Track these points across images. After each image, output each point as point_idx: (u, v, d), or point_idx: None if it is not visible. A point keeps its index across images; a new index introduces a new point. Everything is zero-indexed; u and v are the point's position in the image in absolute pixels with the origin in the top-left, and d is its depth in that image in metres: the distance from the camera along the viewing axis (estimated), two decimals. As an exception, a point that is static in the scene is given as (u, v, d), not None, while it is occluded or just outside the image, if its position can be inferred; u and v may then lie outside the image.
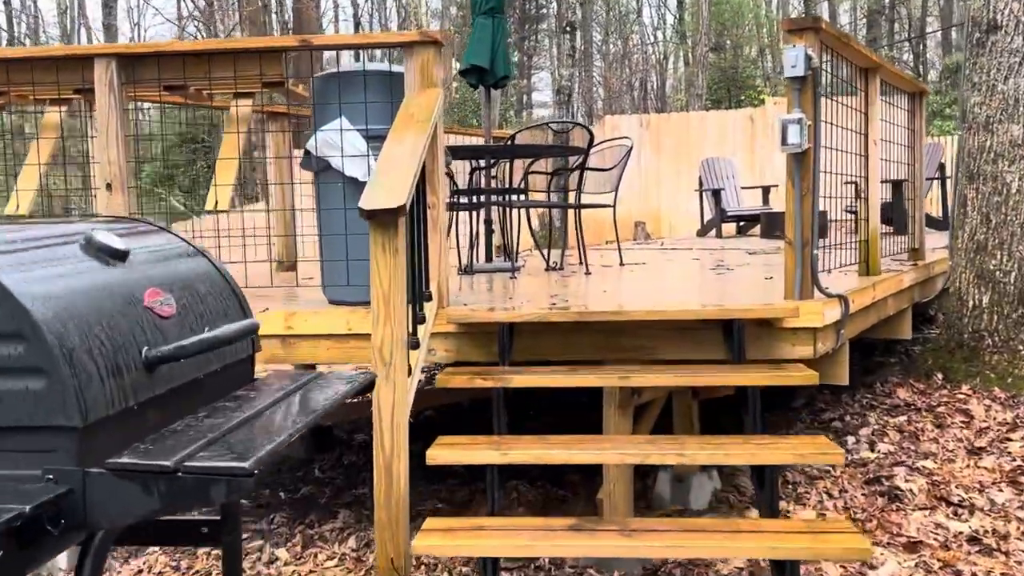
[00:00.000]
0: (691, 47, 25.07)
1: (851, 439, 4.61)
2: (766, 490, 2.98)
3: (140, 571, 4.10)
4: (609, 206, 5.84)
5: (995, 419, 4.62)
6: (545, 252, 6.09)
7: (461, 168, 6.38)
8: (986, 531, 3.58)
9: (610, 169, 5.87)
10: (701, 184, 10.56)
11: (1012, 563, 3.35)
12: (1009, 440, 4.39)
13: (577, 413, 4.39)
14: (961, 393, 4.92)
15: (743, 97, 22.31)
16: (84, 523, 1.29)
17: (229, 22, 21.18)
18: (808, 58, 3.46)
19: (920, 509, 3.81)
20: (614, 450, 2.83)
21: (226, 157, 3.77)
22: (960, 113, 5.29)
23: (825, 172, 3.92)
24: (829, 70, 3.94)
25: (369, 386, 1.76)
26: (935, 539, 3.56)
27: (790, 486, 4.10)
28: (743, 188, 10.75)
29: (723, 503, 4.09)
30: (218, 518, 1.85)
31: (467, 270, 5.55)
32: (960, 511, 3.77)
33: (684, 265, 6.19)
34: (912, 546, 3.50)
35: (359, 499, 4.70)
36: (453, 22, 28.32)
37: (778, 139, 3.55)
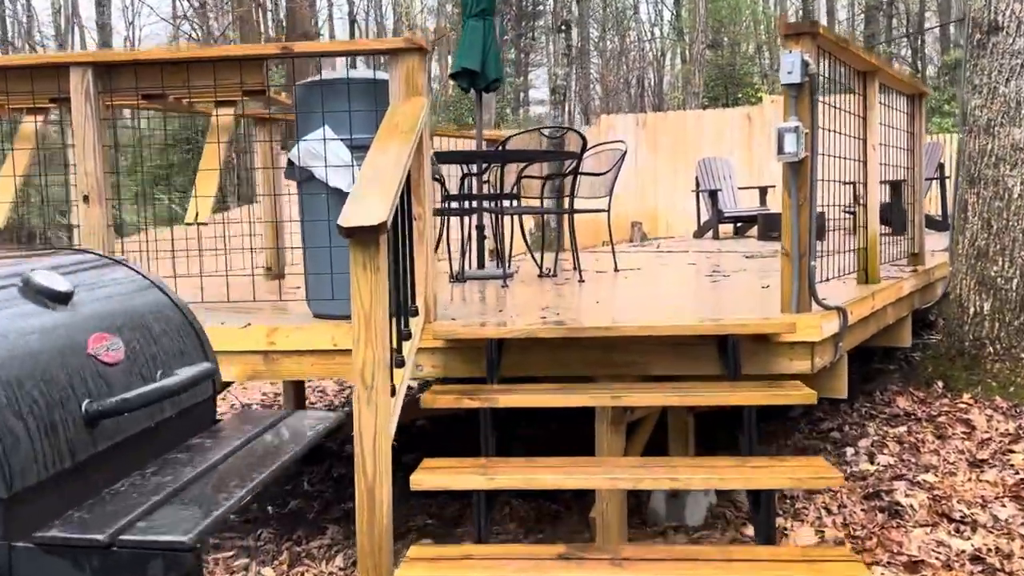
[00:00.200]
0: (688, 44, 24.96)
1: (850, 450, 4.51)
2: (762, 513, 2.88)
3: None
4: (603, 211, 5.74)
5: (997, 430, 4.52)
6: (538, 257, 5.99)
7: (454, 172, 6.27)
8: (989, 549, 3.49)
9: (604, 174, 5.77)
10: (698, 185, 10.45)
11: (1016, 584, 3.26)
12: (1012, 452, 4.29)
13: (570, 426, 4.29)
14: (962, 402, 4.82)
15: (740, 95, 22.21)
16: (7, 604, 1.17)
17: (224, 20, 21.04)
18: (805, 64, 3.36)
19: (921, 526, 3.71)
20: (605, 475, 2.73)
21: (207, 168, 3.67)
22: (960, 116, 5.18)
23: (823, 180, 3.82)
24: (827, 72, 3.84)
25: (338, 428, 1.66)
26: (937, 558, 3.46)
27: (788, 501, 4.00)
28: (740, 188, 10.65)
29: (719, 519, 4.00)
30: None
31: (458, 277, 5.45)
32: (962, 528, 3.67)
33: (679, 271, 6.09)
34: (913, 566, 3.40)
35: (348, 514, 4.60)
36: (449, 19, 28.18)
37: (774, 148, 3.45)
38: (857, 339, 4.10)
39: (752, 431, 3.07)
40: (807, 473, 2.70)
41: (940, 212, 9.75)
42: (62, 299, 1.35)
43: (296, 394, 5.93)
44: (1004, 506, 3.81)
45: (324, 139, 3.59)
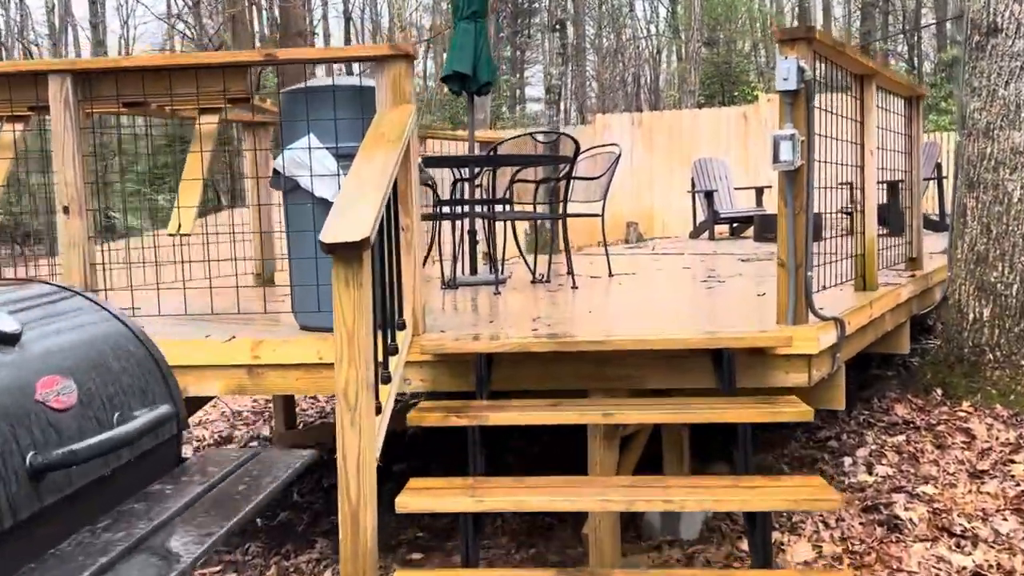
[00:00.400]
0: (684, 41, 24.86)
1: (848, 460, 4.44)
2: (757, 535, 2.81)
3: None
4: (596, 215, 5.66)
5: (997, 439, 4.45)
6: (532, 262, 5.90)
7: (447, 176, 6.18)
8: (990, 565, 3.41)
9: (598, 178, 5.69)
10: (693, 185, 10.38)
11: (1018, 602, 3.19)
12: (1012, 462, 4.21)
13: (563, 438, 4.21)
14: (961, 410, 4.75)
15: (736, 92, 22.12)
16: None
17: (218, 20, 20.91)
18: (801, 70, 3.28)
19: (921, 540, 3.63)
20: (597, 496, 2.65)
21: (190, 178, 3.58)
22: (959, 119, 5.11)
23: (819, 185, 3.74)
24: (822, 74, 3.76)
25: (313, 465, 1.58)
26: (937, 575, 3.39)
27: (784, 514, 3.92)
28: (736, 189, 10.58)
29: (715, 532, 3.92)
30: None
31: (450, 284, 5.36)
32: (963, 542, 3.60)
33: (674, 275, 6.02)
34: (913, 583, 3.33)
35: (338, 527, 4.52)
36: (445, 17, 28.05)
37: (769, 156, 3.37)
38: (855, 349, 4.03)
39: (747, 447, 3.00)
40: (804, 494, 2.62)
41: (937, 212, 9.68)
42: (8, 340, 1.26)
43: (286, 401, 5.84)
44: (1005, 520, 3.74)
45: (309, 148, 3.51)
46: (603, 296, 4.87)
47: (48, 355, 1.32)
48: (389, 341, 3.10)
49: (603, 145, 6.08)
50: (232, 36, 13.38)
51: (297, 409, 6.64)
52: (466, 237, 5.69)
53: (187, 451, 6.12)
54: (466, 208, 5.61)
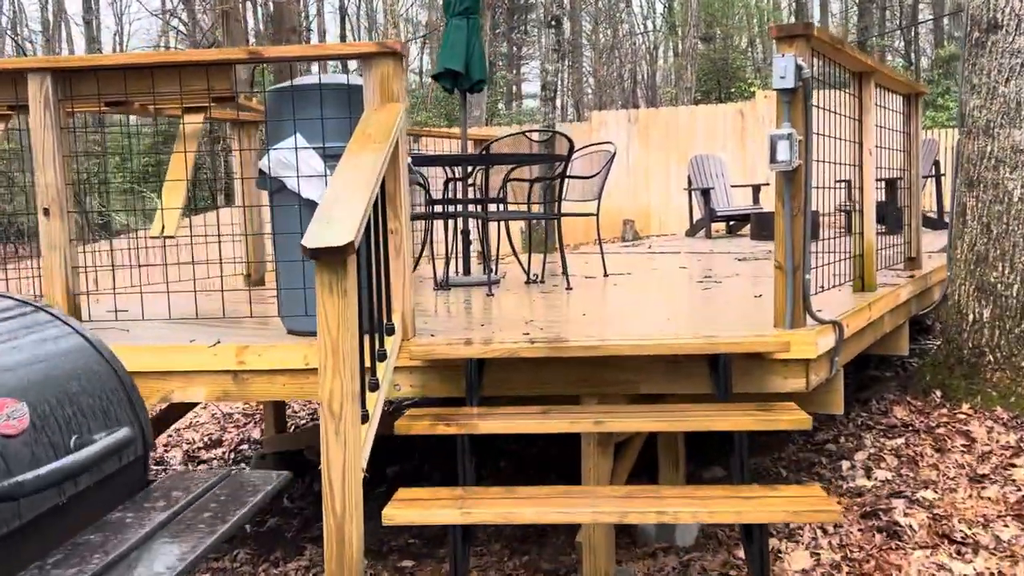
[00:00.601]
0: (680, 37, 24.77)
1: (846, 464, 4.37)
2: (754, 547, 2.73)
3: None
4: (591, 214, 5.59)
5: (997, 442, 4.38)
6: (526, 262, 5.83)
7: (439, 175, 6.10)
8: (992, 574, 3.35)
9: (592, 177, 5.61)
10: (690, 183, 10.31)
11: (1021, 612, 3.12)
12: (1013, 466, 4.14)
13: (557, 441, 4.15)
14: (961, 413, 4.68)
15: (733, 89, 22.04)
16: None
17: (212, 15, 20.78)
18: (799, 68, 3.20)
19: (921, 548, 3.57)
20: (589, 508, 2.57)
21: (174, 179, 3.50)
22: (958, 116, 5.03)
23: (817, 184, 3.67)
24: (820, 70, 3.68)
25: (304, 469, 1.50)
26: (938, 583, 3.32)
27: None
28: (733, 186, 10.51)
29: (711, 539, 3.85)
30: None
31: (443, 285, 5.29)
32: (964, 550, 3.53)
33: (670, 276, 5.94)
34: (913, 592, 3.26)
35: (328, 533, 4.45)
36: (439, 13, 27.92)
37: (767, 155, 3.29)
38: (853, 352, 3.95)
39: (743, 455, 2.93)
40: (803, 505, 2.55)
41: (935, 210, 9.62)
42: (-47, 361, 1.19)
43: (276, 404, 5.76)
44: (1007, 526, 3.67)
45: (296, 147, 3.43)
46: (598, 298, 4.80)
47: (1, 376, 1.24)
48: (377, 346, 3.02)
49: (598, 143, 6.00)
50: (225, 32, 13.28)
51: (289, 411, 6.56)
52: (459, 237, 5.61)
53: (176, 455, 6.04)
54: (459, 207, 5.53)
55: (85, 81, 3.44)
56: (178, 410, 5.10)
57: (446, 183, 5.62)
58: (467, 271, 5.65)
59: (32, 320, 1.40)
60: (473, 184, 5.93)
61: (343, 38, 28.16)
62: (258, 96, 5.03)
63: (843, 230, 6.79)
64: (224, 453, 6.10)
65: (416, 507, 2.62)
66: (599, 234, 5.87)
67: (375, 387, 2.91)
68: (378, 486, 5.01)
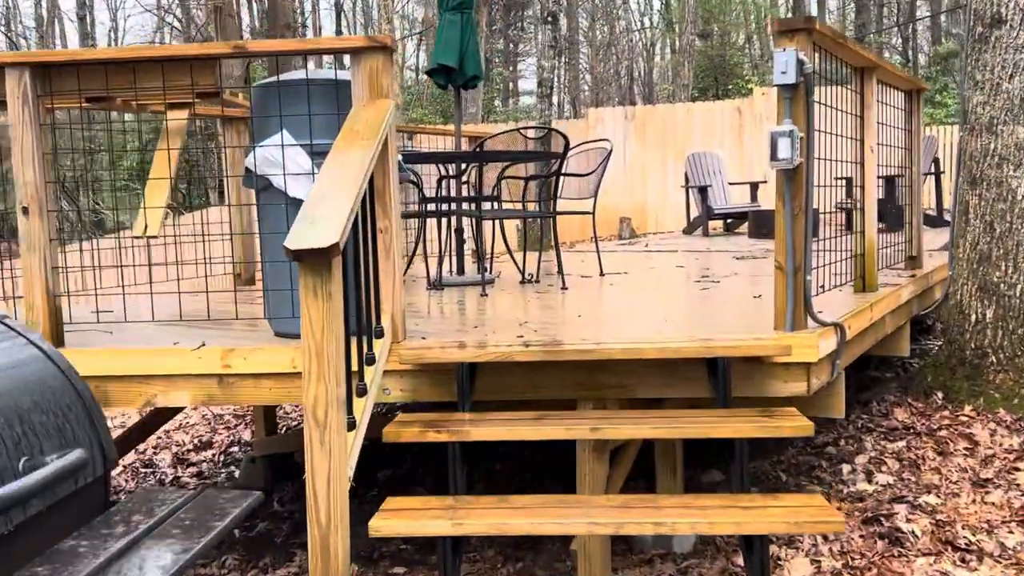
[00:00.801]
0: (677, 34, 24.68)
1: (846, 468, 4.28)
2: (755, 559, 2.64)
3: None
4: (587, 212, 5.49)
5: (1001, 445, 4.30)
6: (521, 261, 5.73)
7: (433, 172, 6.00)
8: (997, 582, 3.26)
9: (588, 175, 5.52)
10: (687, 180, 10.21)
11: (1028, 623, 3.03)
12: (1017, 470, 4.06)
13: (554, 442, 4.06)
14: (963, 415, 4.59)
15: (731, 86, 21.95)
16: None
17: (206, 11, 20.64)
18: (800, 63, 3.11)
19: (924, 555, 3.48)
20: (584, 519, 2.48)
21: (157, 177, 3.40)
22: (961, 113, 4.94)
23: (817, 183, 3.58)
24: (820, 67, 3.59)
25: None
26: (942, 592, 3.24)
27: (782, 526, 3.77)
28: (730, 184, 10.42)
29: (709, 546, 3.76)
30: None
31: (436, 284, 5.19)
32: (968, 557, 3.44)
33: (667, 275, 5.85)
34: (917, 601, 3.18)
35: (318, 538, 4.35)
36: (436, 9, 27.77)
37: (767, 153, 3.20)
38: (855, 354, 3.87)
39: (743, 462, 2.84)
40: (805, 516, 2.46)
41: (935, 207, 9.53)
42: None
43: (266, 405, 5.67)
44: (1012, 532, 3.59)
45: (283, 145, 3.33)
46: (594, 298, 4.71)
47: (-57, 393, 1.15)
48: (366, 350, 2.93)
49: (594, 140, 5.91)
50: (218, 28, 13.16)
51: (280, 412, 6.47)
52: (453, 236, 5.52)
53: (165, 457, 5.93)
54: (453, 205, 5.43)
55: (65, 76, 3.34)
56: (167, 412, 5.00)
57: (440, 181, 5.53)
58: (461, 270, 5.56)
59: (-15, 331, 1.30)
60: (467, 182, 5.83)
61: (339, 34, 28.04)
62: (245, 92, 4.92)
63: (842, 228, 6.72)
64: (214, 455, 6.00)
65: (405, 517, 2.53)
66: (595, 232, 5.78)
67: (363, 392, 2.82)
68: (370, 489, 4.92)
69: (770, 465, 4.50)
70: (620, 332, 3.46)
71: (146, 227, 3.34)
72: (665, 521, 2.44)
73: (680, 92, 19.52)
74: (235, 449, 6.08)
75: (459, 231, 5.50)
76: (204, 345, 3.33)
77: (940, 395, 4.79)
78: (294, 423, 6.48)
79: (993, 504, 3.82)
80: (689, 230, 10.30)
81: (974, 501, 3.86)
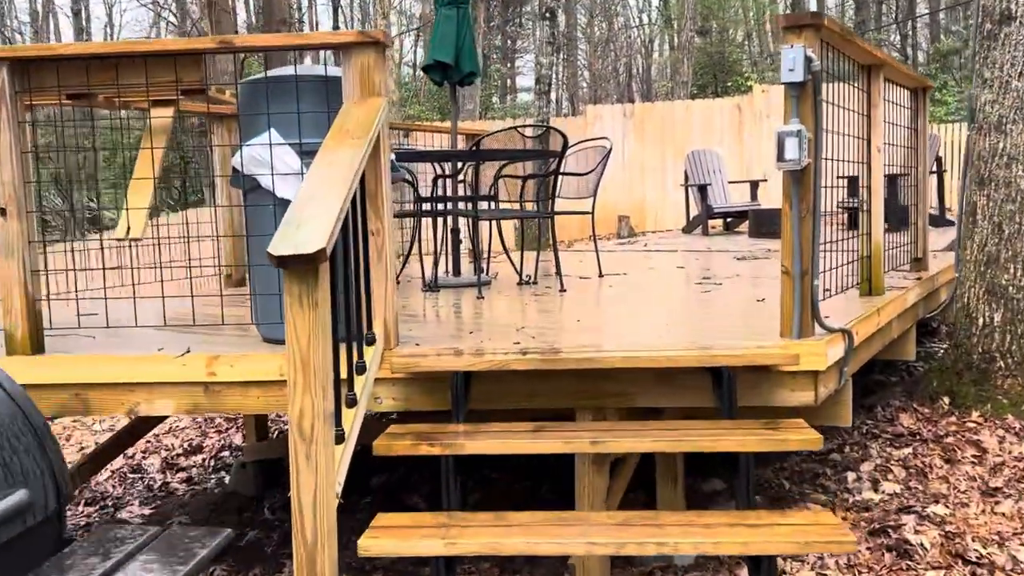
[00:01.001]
0: (676, 31, 24.56)
1: (851, 476, 4.17)
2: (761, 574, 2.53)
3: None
4: (586, 213, 5.38)
5: (1010, 453, 4.19)
6: (518, 262, 5.61)
7: (429, 170, 5.88)
8: (1010, 598, 3.16)
9: (587, 174, 5.40)
10: (687, 179, 10.10)
11: (1043, 642, 2.92)
12: (1027, 479, 3.96)
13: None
14: (971, 421, 4.48)
15: (730, 83, 21.83)
16: None
17: (201, 6, 20.47)
18: (808, 60, 2.99)
19: (934, 568, 3.37)
20: (582, 539, 2.37)
21: (140, 177, 3.27)
22: (968, 111, 4.82)
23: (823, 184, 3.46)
24: (826, 66, 3.48)
25: (227, 547, 1.30)
26: (953, 609, 3.13)
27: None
28: (730, 182, 10.31)
29: (712, 559, 3.65)
30: None
31: (431, 286, 5.07)
32: (979, 571, 3.34)
33: (667, 276, 5.73)
34: (927, 618, 3.07)
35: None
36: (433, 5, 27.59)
37: (773, 153, 3.08)
38: (861, 360, 3.75)
39: (749, 477, 2.72)
40: (814, 535, 2.35)
41: (937, 206, 9.42)
42: None
43: (259, 410, 5.55)
44: (1023, 544, 3.48)
45: (270, 144, 3.21)
46: (592, 301, 4.59)
47: None
48: (356, 358, 2.81)
49: (593, 139, 5.79)
50: (213, 24, 13.03)
51: (272, 416, 6.34)
52: (449, 235, 5.40)
53: (154, 462, 5.80)
54: (448, 205, 5.31)
55: (45, 72, 3.21)
56: (146, 422, 4.89)
57: (435, 180, 5.41)
58: (457, 271, 5.44)
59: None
60: (464, 181, 5.71)
61: (336, 30, 27.85)
62: (232, 89, 4.80)
63: (843, 227, 6.60)
64: (204, 460, 5.88)
65: (395, 536, 2.42)
66: (594, 233, 5.67)
67: (352, 403, 2.70)
68: (363, 497, 4.81)
69: (773, 473, 4.38)
70: (620, 338, 3.35)
71: (128, 229, 3.21)
72: (667, 541, 2.32)
73: (679, 89, 19.40)
74: (226, 454, 5.96)
75: (455, 231, 5.39)
76: (189, 352, 3.21)
77: (947, 400, 4.68)
78: (286, 428, 6.36)
79: (1004, 515, 3.71)
80: (688, 229, 10.19)
81: (984, 511, 3.75)
